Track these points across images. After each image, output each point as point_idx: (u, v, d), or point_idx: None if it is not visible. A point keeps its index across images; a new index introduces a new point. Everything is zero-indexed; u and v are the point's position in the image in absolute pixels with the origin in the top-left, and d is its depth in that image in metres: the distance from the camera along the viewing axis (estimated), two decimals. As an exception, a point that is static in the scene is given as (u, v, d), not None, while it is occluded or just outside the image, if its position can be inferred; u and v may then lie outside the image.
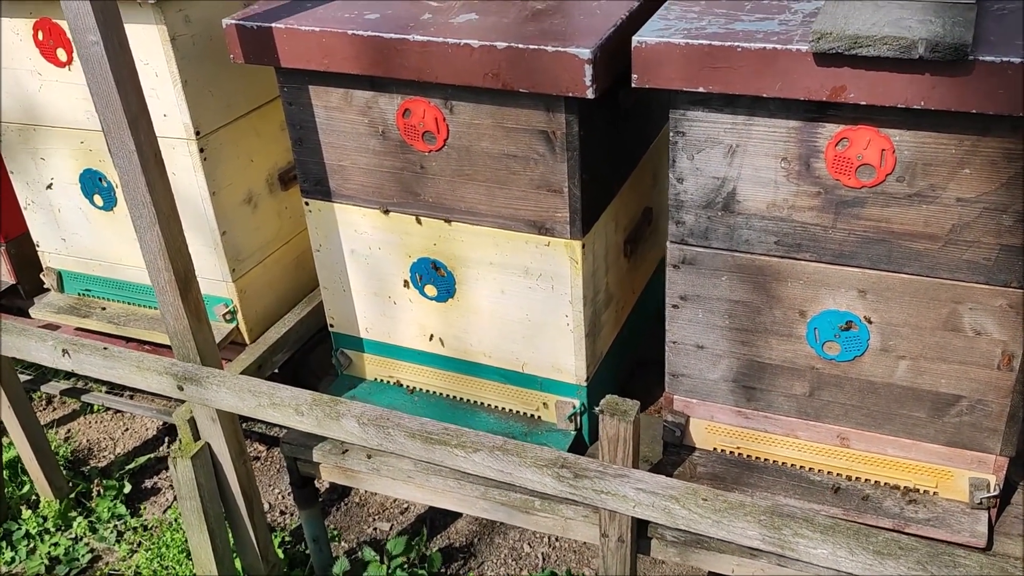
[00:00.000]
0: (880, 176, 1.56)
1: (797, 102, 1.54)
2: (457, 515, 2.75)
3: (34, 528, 2.77)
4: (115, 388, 3.12)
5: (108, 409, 3.29)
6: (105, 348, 1.97)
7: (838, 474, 1.88)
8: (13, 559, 2.73)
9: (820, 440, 1.87)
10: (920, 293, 1.64)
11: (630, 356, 2.30)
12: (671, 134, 1.67)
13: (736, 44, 1.49)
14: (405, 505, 2.82)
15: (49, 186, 2.33)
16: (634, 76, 1.58)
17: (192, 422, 2.04)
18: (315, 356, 2.57)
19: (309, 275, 2.56)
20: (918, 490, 1.83)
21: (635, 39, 1.55)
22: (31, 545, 2.76)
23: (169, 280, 1.81)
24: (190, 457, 2.02)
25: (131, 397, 3.14)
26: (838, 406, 1.82)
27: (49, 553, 2.73)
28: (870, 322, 1.70)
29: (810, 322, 1.75)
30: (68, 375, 3.19)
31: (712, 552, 1.92)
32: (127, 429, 3.23)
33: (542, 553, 2.63)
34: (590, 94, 1.61)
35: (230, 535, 2.26)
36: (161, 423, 3.22)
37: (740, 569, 1.92)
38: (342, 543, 2.69)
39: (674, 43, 1.53)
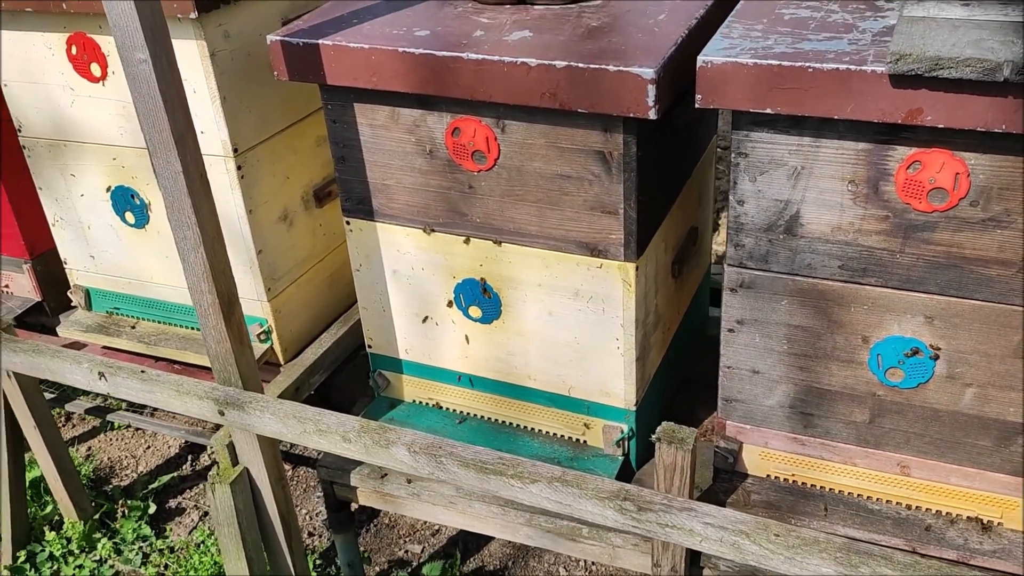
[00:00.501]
0: (953, 200, 1.51)
1: (868, 124, 1.49)
2: (490, 538, 2.69)
3: (58, 550, 2.72)
4: (137, 405, 3.07)
5: (129, 426, 3.23)
6: (143, 371, 1.93)
7: (897, 503, 1.83)
8: (37, 582, 2.68)
9: (880, 468, 1.82)
10: (991, 320, 1.59)
11: (674, 377, 2.25)
12: (732, 156, 1.62)
13: (807, 64, 1.44)
14: (436, 527, 2.77)
15: (82, 195, 2.28)
16: (698, 96, 1.54)
17: (231, 447, 1.98)
18: (342, 377, 2.51)
19: (342, 294, 2.52)
20: (981, 520, 1.78)
21: (701, 58, 1.50)
22: (55, 567, 2.71)
23: (212, 303, 1.77)
24: (229, 483, 1.97)
25: (152, 414, 3.09)
26: (900, 434, 1.77)
27: (73, 575, 2.67)
28: (937, 349, 1.65)
29: (873, 348, 1.70)
30: (92, 392, 3.14)
31: (767, 583, 1.87)
32: (149, 447, 3.18)
33: (578, 577, 2.58)
34: (652, 115, 1.56)
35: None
36: (183, 441, 3.17)
37: (795, 600, 1.87)
38: (373, 566, 2.64)
39: (741, 63, 1.48)
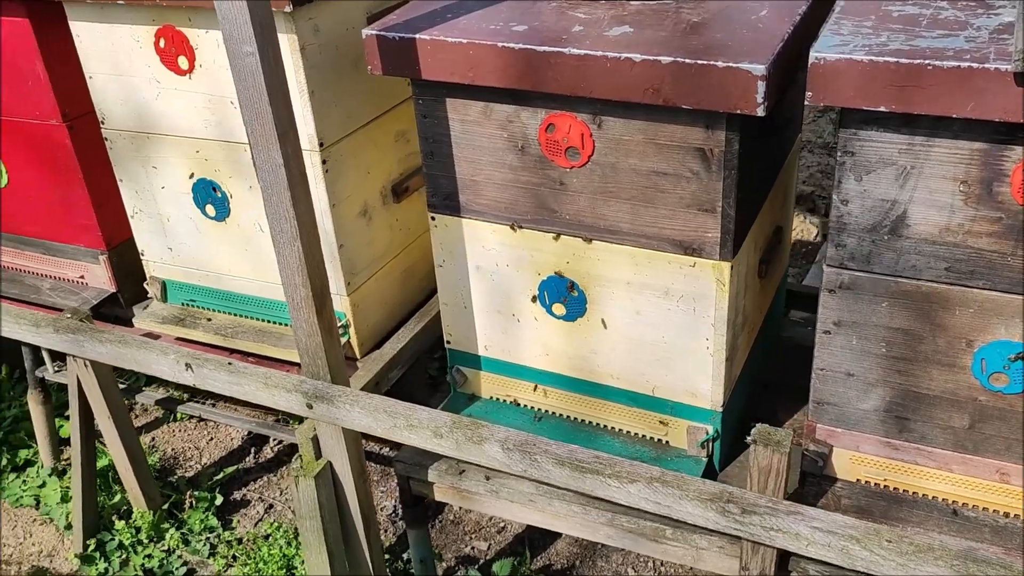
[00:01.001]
0: (1071, 202, 1.48)
1: (986, 123, 1.46)
2: (557, 535, 2.68)
3: (127, 539, 2.75)
4: (201, 396, 3.09)
5: (192, 417, 3.26)
6: (230, 363, 1.93)
7: (995, 511, 1.80)
8: (106, 570, 2.70)
9: (977, 475, 1.78)
10: (1106, 325, 1.55)
11: (755, 378, 2.23)
12: (839, 154, 1.60)
13: (927, 62, 1.41)
14: (501, 524, 2.76)
15: (163, 188, 2.29)
16: (808, 93, 1.51)
17: (315, 440, 1.99)
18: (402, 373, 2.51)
19: (415, 289, 2.51)
20: (1084, 530, 1.74)
21: (813, 55, 1.48)
22: (124, 556, 2.73)
23: (306, 296, 1.77)
24: (313, 476, 1.97)
25: (214, 405, 3.11)
26: (1000, 440, 1.73)
27: (143, 565, 2.70)
28: (1043, 353, 1.61)
29: (977, 352, 1.66)
30: (150, 382, 3.17)
31: (857, 589, 1.84)
32: (211, 439, 3.20)
33: (647, 578, 2.56)
34: (760, 112, 1.54)
35: (340, 555, 2.21)
36: (245, 433, 3.19)
37: (885, 607, 1.84)
38: (441, 562, 2.64)
39: (856, 60, 1.46)
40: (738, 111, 1.56)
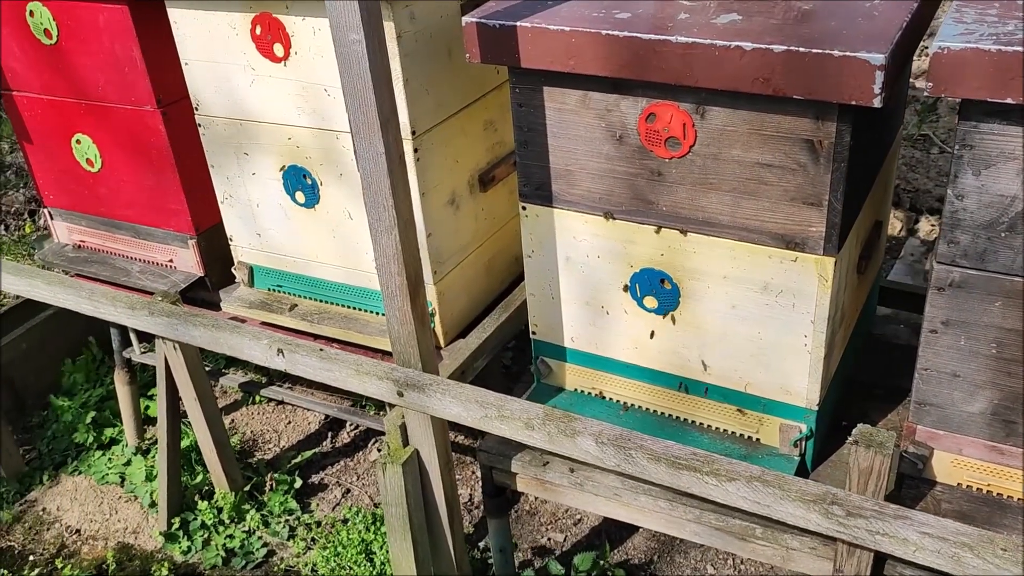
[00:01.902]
0: None
1: (1121, 116, 1.39)
2: (634, 529, 2.66)
3: (210, 519, 2.80)
4: (280, 380, 3.13)
5: (270, 401, 3.31)
6: (322, 349, 1.95)
7: (1109, 521, 1.73)
8: (189, 548, 2.76)
9: (1090, 483, 1.72)
10: None
11: (848, 377, 2.17)
12: (956, 147, 1.54)
13: (1061, 52, 1.35)
14: (578, 516, 2.75)
15: (253, 174, 2.32)
16: (928, 84, 1.46)
17: (403, 428, 1.99)
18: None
19: (498, 279, 2.51)
20: None
21: (937, 44, 1.42)
22: (206, 536, 2.79)
23: (401, 285, 1.77)
24: (400, 463, 1.98)
25: (291, 388, 3.15)
26: (1118, 448, 1.66)
27: (225, 545, 2.75)
28: None
29: (1096, 356, 1.60)
30: (228, 365, 3.22)
31: (956, 596, 1.78)
32: (289, 422, 3.25)
33: (727, 575, 2.53)
34: (877, 103, 1.49)
35: (423, 542, 2.22)
36: (323, 417, 3.22)
37: (985, 615, 1.78)
38: (517, 552, 2.63)
39: (983, 49, 1.40)
40: (853, 102, 1.51)
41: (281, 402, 3.27)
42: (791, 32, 1.57)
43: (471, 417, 1.79)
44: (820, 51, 1.50)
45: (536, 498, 2.80)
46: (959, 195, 1.57)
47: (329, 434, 3.17)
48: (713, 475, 1.56)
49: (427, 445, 1.99)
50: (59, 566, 2.73)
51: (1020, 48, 1.38)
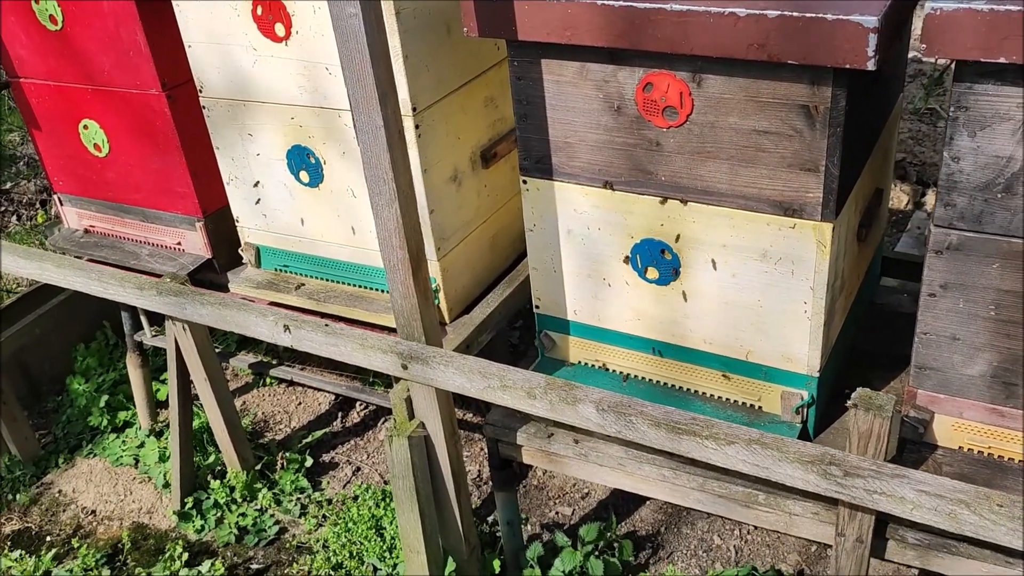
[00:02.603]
0: None
1: (1115, 73, 1.39)
2: (641, 502, 2.68)
3: (222, 498, 2.84)
4: (290, 361, 3.16)
5: (282, 382, 3.34)
6: (327, 324, 1.97)
7: (1110, 481, 1.74)
8: (203, 527, 2.80)
9: (1090, 443, 1.72)
10: None
11: (850, 345, 2.18)
12: (952, 109, 1.54)
13: (1053, 9, 1.35)
14: (586, 490, 2.77)
15: (258, 154, 2.34)
16: (922, 46, 1.46)
17: (408, 401, 2.02)
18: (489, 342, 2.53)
19: (502, 255, 2.53)
20: None
21: (930, 5, 1.43)
22: (219, 514, 2.83)
23: (403, 259, 1.79)
24: (406, 436, 2.01)
25: (303, 369, 3.18)
26: (1118, 407, 1.67)
27: (237, 523, 2.79)
28: None
29: (1095, 315, 1.60)
30: (240, 347, 3.26)
31: (958, 557, 1.80)
32: (300, 403, 3.28)
33: (734, 546, 2.55)
34: (871, 65, 1.50)
35: (431, 515, 2.25)
36: (333, 397, 3.26)
37: (988, 577, 1.80)
38: (525, 526, 2.66)
39: (975, 9, 1.40)
40: (847, 66, 1.52)
41: (292, 383, 3.31)
42: (784, -3, 1.58)
43: (474, 388, 1.81)
44: (814, 15, 1.50)
45: (545, 472, 2.83)
46: (955, 157, 1.58)
47: (339, 414, 3.21)
48: (712, 439, 1.58)
49: (432, 417, 2.01)
50: (75, 545, 2.78)
51: (1013, 7, 1.38)
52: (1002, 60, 1.42)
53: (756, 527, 2.58)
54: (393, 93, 1.66)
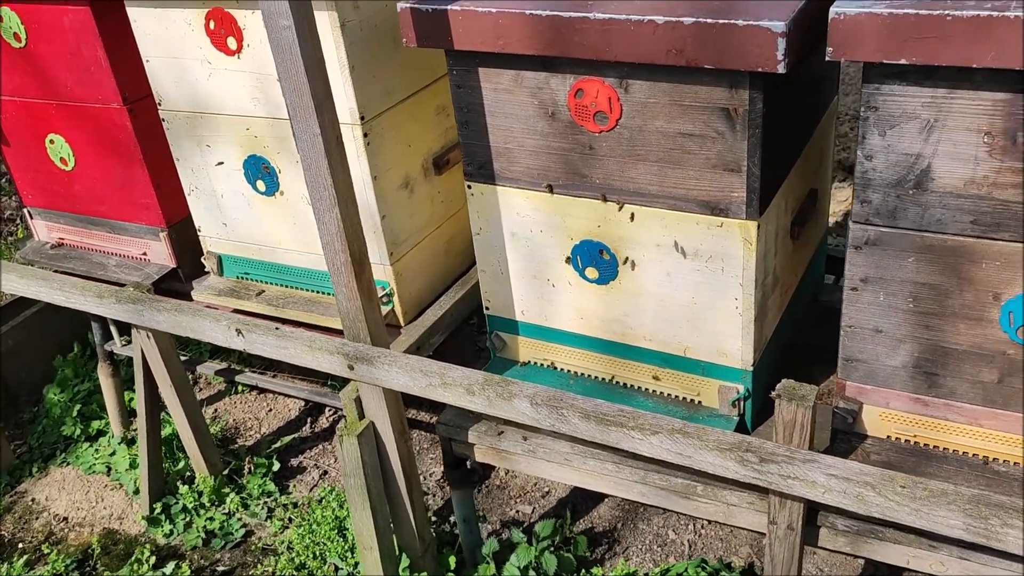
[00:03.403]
0: (1096, 150, 1.47)
1: (1008, 73, 1.46)
2: (599, 499, 2.74)
3: (191, 503, 2.89)
4: (262, 368, 3.22)
5: (253, 390, 3.40)
6: (277, 328, 2.03)
7: (1028, 466, 1.80)
8: (172, 531, 2.85)
9: (1007, 430, 1.79)
10: None
11: (789, 341, 2.25)
12: (862, 109, 1.61)
13: (946, 12, 1.43)
14: (546, 488, 2.83)
15: (216, 165, 2.40)
16: (828, 49, 1.53)
17: (358, 401, 2.08)
18: (452, 344, 2.59)
19: (457, 260, 2.59)
20: (1120, 484, 1.73)
21: (833, 10, 1.50)
22: (188, 519, 2.87)
23: (345, 262, 1.85)
24: (356, 435, 2.06)
25: (273, 376, 3.23)
26: (1032, 394, 1.73)
27: (205, 527, 2.84)
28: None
29: (1004, 305, 1.67)
30: (214, 356, 3.31)
31: (885, 543, 1.85)
32: (271, 410, 3.34)
33: (688, 540, 2.60)
34: (781, 69, 1.57)
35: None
36: (303, 404, 3.31)
37: (916, 562, 1.85)
38: (486, 524, 2.72)
39: (876, 13, 1.47)
40: (759, 69, 1.59)
41: (263, 391, 3.36)
42: (703, 5, 1.65)
43: (416, 386, 1.87)
44: (726, 21, 1.57)
45: (507, 472, 2.89)
46: (868, 155, 1.65)
47: (308, 420, 3.26)
48: (638, 429, 1.64)
49: (381, 417, 2.07)
50: (46, 552, 2.82)
51: (911, 10, 1.46)
52: (903, 61, 1.49)
53: (710, 521, 2.63)
54: (329, 102, 1.72)
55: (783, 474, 1.52)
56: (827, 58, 1.54)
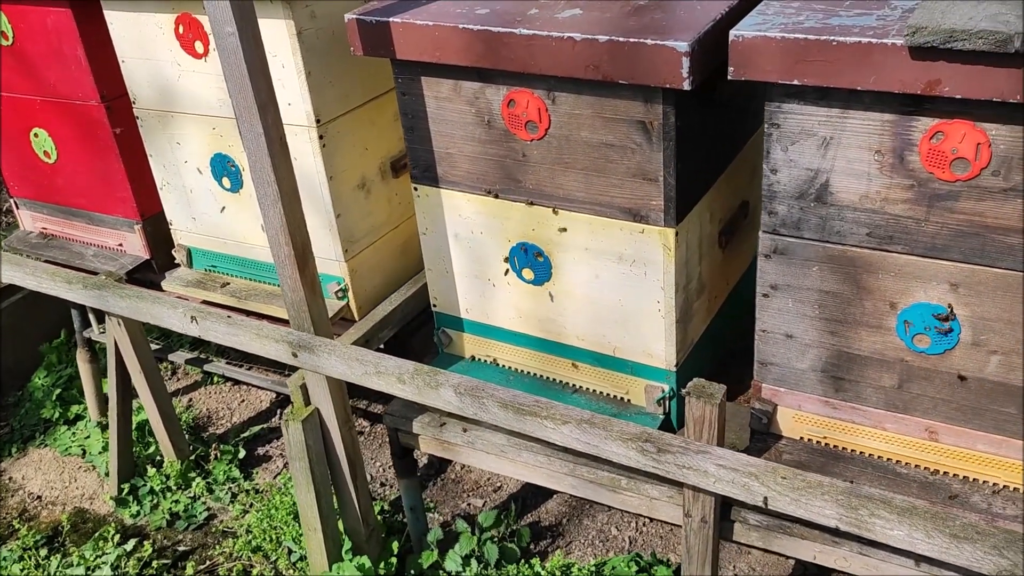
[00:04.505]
0: (975, 170, 1.57)
1: (892, 95, 1.56)
2: (548, 496, 2.84)
3: (158, 485, 3.01)
4: (235, 361, 3.34)
5: (227, 381, 3.52)
6: (228, 316, 2.15)
7: (926, 468, 1.89)
8: (139, 512, 2.97)
9: (908, 433, 1.88)
10: (1014, 288, 1.64)
11: (723, 346, 2.35)
12: (766, 126, 1.72)
13: (831, 38, 1.53)
14: (498, 484, 2.93)
15: (185, 162, 2.53)
16: (730, 69, 1.64)
17: (304, 388, 2.19)
18: (417, 338, 2.70)
19: (414, 260, 2.70)
20: (1008, 487, 1.82)
21: (732, 33, 1.61)
22: (155, 501, 3.00)
23: (289, 255, 1.97)
24: (301, 421, 2.18)
25: (249, 370, 3.35)
26: (927, 399, 1.82)
27: (170, 509, 2.96)
28: (960, 316, 1.70)
29: (900, 314, 1.76)
30: (194, 347, 3.44)
31: (794, 538, 1.95)
32: (243, 400, 3.46)
33: (629, 536, 2.70)
34: (686, 86, 1.68)
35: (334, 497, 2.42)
36: (275, 396, 3.43)
37: (821, 557, 1.94)
38: (437, 515, 2.82)
39: (770, 37, 1.58)
40: (667, 86, 1.70)
41: (238, 382, 3.48)
42: (619, 24, 1.76)
43: (353, 374, 1.99)
44: (636, 40, 1.68)
45: (462, 467, 2.99)
46: (773, 169, 1.75)
47: (279, 411, 3.38)
48: (550, 419, 1.75)
49: (325, 403, 2.18)
50: (17, 527, 2.95)
51: (800, 35, 1.56)
52: (796, 82, 1.60)
53: (651, 519, 2.73)
54: (273, 104, 1.84)
55: (679, 464, 1.62)
56: (729, 77, 1.65)
